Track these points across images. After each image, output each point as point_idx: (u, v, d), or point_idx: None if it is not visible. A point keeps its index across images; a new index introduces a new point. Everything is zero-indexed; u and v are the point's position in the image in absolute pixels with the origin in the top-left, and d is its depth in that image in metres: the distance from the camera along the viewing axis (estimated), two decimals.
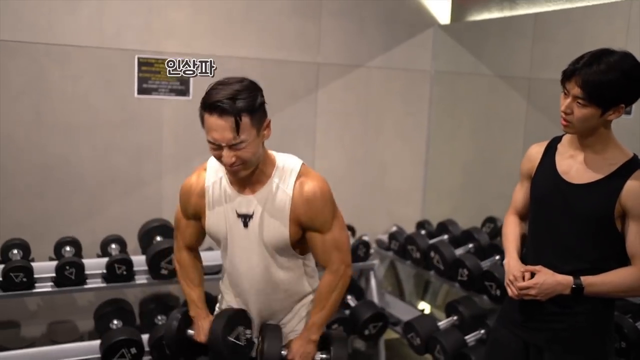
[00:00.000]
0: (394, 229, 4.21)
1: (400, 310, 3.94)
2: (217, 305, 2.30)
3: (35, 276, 3.02)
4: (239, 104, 1.77)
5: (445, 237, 3.76)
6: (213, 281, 2.69)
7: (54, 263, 3.08)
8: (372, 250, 3.82)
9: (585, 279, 1.91)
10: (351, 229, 3.96)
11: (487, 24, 4.03)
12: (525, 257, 2.12)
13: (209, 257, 3.29)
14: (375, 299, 3.80)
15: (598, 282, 1.92)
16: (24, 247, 3.23)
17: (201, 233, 2.16)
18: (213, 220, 2.03)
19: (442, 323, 3.28)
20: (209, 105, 1.79)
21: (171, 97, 3.63)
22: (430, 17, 4.28)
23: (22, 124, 3.35)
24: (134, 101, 3.55)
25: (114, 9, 3.43)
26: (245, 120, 1.78)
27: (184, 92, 3.65)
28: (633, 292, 1.96)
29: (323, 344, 2.13)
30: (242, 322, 2.09)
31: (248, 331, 2.08)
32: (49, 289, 3.04)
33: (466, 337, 3.11)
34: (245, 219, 1.97)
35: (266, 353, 2.02)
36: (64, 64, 3.38)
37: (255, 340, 2.13)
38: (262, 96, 1.87)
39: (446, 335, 3.14)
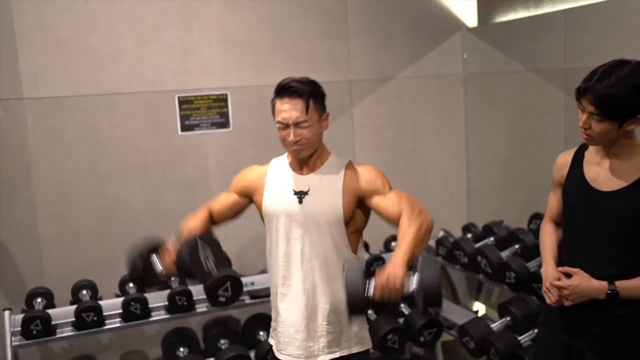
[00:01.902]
0: (441, 234, 4.26)
1: (455, 313, 4.00)
2: (272, 323, 2.35)
3: (104, 314, 3.25)
4: (306, 87, 2.08)
5: (492, 239, 3.79)
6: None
7: (120, 300, 3.30)
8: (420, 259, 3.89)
9: (620, 284, 1.96)
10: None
11: (515, 22, 4.05)
12: (561, 263, 2.18)
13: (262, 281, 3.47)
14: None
15: (632, 286, 1.96)
16: (92, 287, 3.47)
17: (231, 209, 2.30)
18: (271, 198, 2.20)
19: (495, 325, 3.32)
20: (282, 87, 2.09)
21: (213, 131, 3.81)
22: (457, 21, 4.32)
23: (78, 171, 3.60)
24: (179, 138, 3.75)
25: (151, 54, 3.64)
26: (311, 102, 2.07)
27: (225, 124, 3.83)
28: None
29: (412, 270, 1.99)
30: (212, 248, 2.14)
31: (212, 259, 2.13)
32: (118, 325, 3.27)
33: (520, 338, 3.15)
34: (301, 195, 2.14)
35: (349, 285, 1.87)
36: (111, 111, 3.62)
37: (213, 270, 2.13)
38: (324, 92, 2.16)
39: (500, 337, 3.18)
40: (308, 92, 2.07)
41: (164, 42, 3.66)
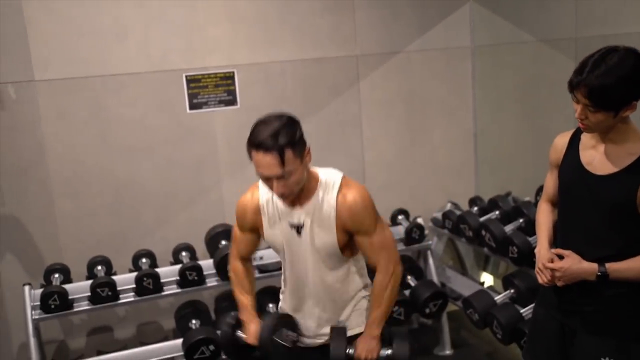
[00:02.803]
0: (449, 206, 4.31)
1: (461, 285, 4.07)
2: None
3: (119, 288, 3.39)
4: (280, 140, 1.95)
5: (497, 213, 3.83)
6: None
7: (134, 275, 3.43)
8: (426, 232, 3.95)
9: (610, 266, 2.00)
10: (404, 212, 4.10)
11: None
12: (556, 243, 2.22)
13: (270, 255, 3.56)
14: (434, 277, 3.94)
15: (622, 268, 1.99)
16: (106, 263, 3.61)
17: (254, 244, 2.39)
18: (271, 232, 2.26)
19: (499, 297, 3.38)
20: (255, 144, 1.98)
21: (221, 108, 3.87)
22: None
23: (90, 151, 3.70)
24: (187, 117, 3.82)
25: (157, 34, 3.69)
26: (288, 153, 1.97)
27: (232, 101, 3.88)
28: None
29: (385, 341, 2.29)
30: (288, 324, 2.28)
31: (293, 333, 2.27)
32: (131, 299, 3.42)
33: (522, 311, 3.21)
34: (298, 228, 2.19)
35: (333, 352, 2.20)
36: (120, 91, 3.69)
37: (298, 341, 2.31)
38: (300, 128, 2.05)
39: (502, 310, 3.24)
40: (283, 145, 1.96)
41: (170, 21, 3.70)
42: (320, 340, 2.34)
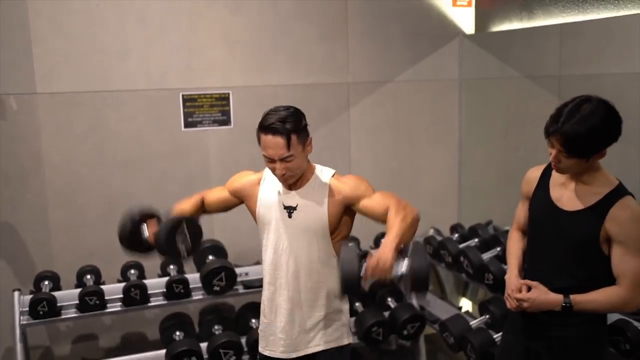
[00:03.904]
0: (431, 231, 4.44)
1: (440, 309, 4.18)
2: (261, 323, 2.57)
3: (106, 298, 3.48)
4: (288, 125, 2.19)
5: (476, 240, 3.97)
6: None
7: (122, 285, 3.53)
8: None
9: (574, 298, 2.13)
10: None
11: (512, 30, 4.17)
12: (525, 270, 2.36)
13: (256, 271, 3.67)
14: (413, 301, 4.06)
15: (585, 300, 2.13)
16: (96, 272, 3.71)
17: (222, 204, 2.52)
18: (264, 209, 2.39)
19: (475, 322, 3.50)
20: (265, 127, 2.20)
21: (214, 128, 4.01)
22: (454, 27, 4.46)
23: (87, 163, 3.82)
24: (182, 134, 3.96)
25: (158, 54, 3.84)
26: (294, 138, 2.20)
27: (226, 122, 4.03)
28: (617, 309, 2.17)
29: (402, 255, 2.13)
30: (190, 231, 2.31)
31: (187, 242, 2.30)
32: (118, 309, 3.51)
33: (495, 336, 3.33)
34: (290, 210, 2.34)
35: (344, 260, 2.03)
36: (119, 107, 3.82)
37: (183, 253, 2.32)
38: (305, 120, 2.28)
39: (476, 335, 3.37)
40: (289, 129, 2.18)
41: (170, 42, 3.85)
42: (294, 355, 2.41)
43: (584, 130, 1.99)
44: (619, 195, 2.11)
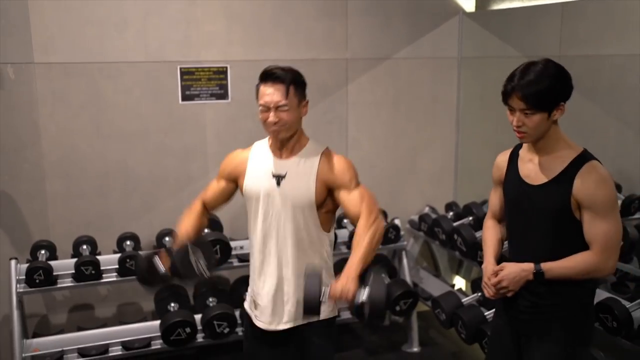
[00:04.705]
0: (426, 209, 4.47)
1: (433, 286, 4.24)
2: (247, 296, 2.59)
3: (102, 268, 3.52)
4: (288, 75, 2.27)
5: (470, 218, 3.99)
6: None
7: (117, 256, 3.56)
8: (402, 233, 4.11)
9: (545, 265, 2.14)
10: (383, 213, 4.25)
11: (513, 9, 4.15)
12: (508, 255, 2.37)
13: None
14: (407, 277, 4.10)
15: (556, 266, 2.14)
16: (92, 243, 3.74)
17: (222, 195, 2.54)
18: (251, 180, 2.40)
19: (467, 299, 3.55)
20: (266, 74, 2.28)
21: (212, 101, 4.01)
22: (454, 5, 4.43)
23: (84, 135, 3.83)
24: (179, 107, 3.96)
25: (156, 26, 3.82)
26: (292, 88, 2.26)
27: (223, 95, 4.02)
28: (591, 274, 2.13)
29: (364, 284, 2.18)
30: (203, 252, 2.32)
31: (204, 262, 2.31)
32: (114, 279, 3.55)
33: (487, 313, 3.38)
34: (279, 178, 2.35)
35: (307, 289, 2.10)
36: (116, 79, 3.82)
37: (204, 272, 2.32)
38: (305, 81, 2.34)
39: (467, 311, 3.41)
40: (289, 79, 2.25)
41: (168, 14, 3.83)
42: (281, 327, 2.42)
43: (541, 79, 2.04)
44: (583, 160, 2.11)
